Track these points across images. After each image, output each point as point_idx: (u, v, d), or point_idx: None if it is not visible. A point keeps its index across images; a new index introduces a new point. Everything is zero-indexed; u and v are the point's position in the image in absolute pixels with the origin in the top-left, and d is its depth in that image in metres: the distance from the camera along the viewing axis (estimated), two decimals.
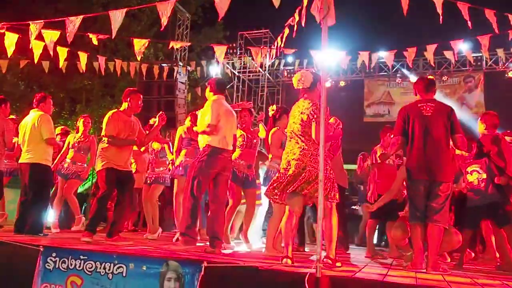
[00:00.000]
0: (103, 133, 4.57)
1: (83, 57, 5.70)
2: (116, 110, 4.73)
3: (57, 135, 6.16)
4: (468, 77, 12.56)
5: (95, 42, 5.02)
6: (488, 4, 4.98)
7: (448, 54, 7.03)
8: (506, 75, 11.91)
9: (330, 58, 3.26)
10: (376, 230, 6.85)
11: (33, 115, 4.98)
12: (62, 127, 7.11)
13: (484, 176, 4.51)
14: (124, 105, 4.68)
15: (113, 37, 4.22)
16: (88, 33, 5.07)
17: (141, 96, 4.81)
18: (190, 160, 5.04)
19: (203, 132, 4.15)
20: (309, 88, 3.58)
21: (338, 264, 3.29)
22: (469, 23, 4.79)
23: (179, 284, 2.93)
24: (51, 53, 4.77)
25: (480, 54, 11.22)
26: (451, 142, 3.82)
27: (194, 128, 4.33)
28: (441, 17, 4.74)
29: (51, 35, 4.57)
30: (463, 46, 9.38)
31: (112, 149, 4.56)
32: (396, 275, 3.32)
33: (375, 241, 6.82)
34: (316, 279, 2.70)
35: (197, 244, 4.39)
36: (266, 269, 2.94)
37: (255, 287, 2.87)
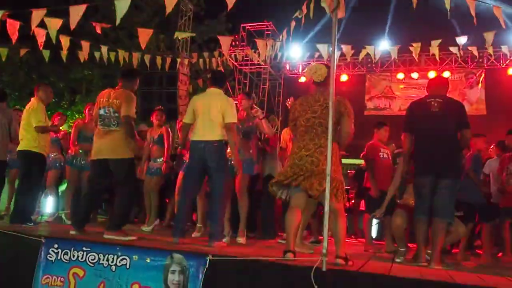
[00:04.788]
0: (129, 113, 4.16)
1: (85, 46, 5.63)
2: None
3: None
4: (470, 73, 12.53)
5: (98, 31, 4.96)
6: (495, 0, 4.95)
7: (453, 49, 6.98)
8: (507, 72, 11.87)
9: (336, 51, 3.24)
10: (377, 225, 6.89)
11: (29, 103, 5.02)
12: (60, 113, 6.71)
13: None
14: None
15: (116, 24, 4.15)
16: (92, 22, 5.01)
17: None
18: None
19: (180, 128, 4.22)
20: (323, 81, 3.45)
21: (350, 263, 3.23)
22: (475, 18, 4.75)
23: (183, 277, 2.92)
24: (54, 41, 4.70)
25: (483, 51, 11.16)
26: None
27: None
28: (449, 12, 4.71)
29: (54, 23, 4.50)
30: (466, 42, 9.34)
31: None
32: (400, 269, 3.31)
33: (374, 235, 6.85)
34: (322, 273, 2.69)
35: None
36: (271, 262, 2.93)
37: (260, 280, 2.85)
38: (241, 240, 4.65)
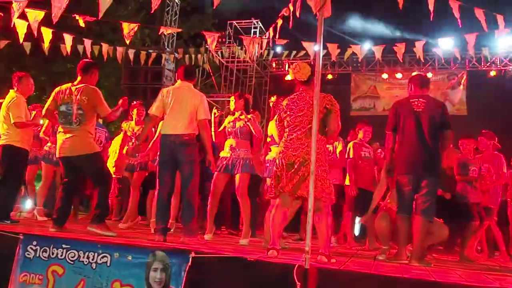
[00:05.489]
0: (108, 111, 4.20)
1: (68, 39, 5.52)
2: None
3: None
4: (452, 74, 12.74)
5: (81, 24, 4.87)
6: (477, 3, 5.03)
7: (436, 50, 7.08)
8: (488, 74, 12.10)
9: (322, 50, 3.23)
10: (360, 223, 6.97)
11: (8, 96, 4.83)
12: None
13: None
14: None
15: (99, 18, 4.07)
16: (75, 15, 4.91)
17: None
18: None
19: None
20: (306, 81, 3.47)
21: (333, 260, 3.26)
22: (458, 20, 4.83)
23: (165, 275, 2.88)
24: (35, 33, 4.59)
25: (465, 52, 11.37)
26: None
27: None
28: (431, 14, 4.76)
29: (35, 15, 4.40)
30: (449, 44, 9.49)
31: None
32: (382, 267, 3.35)
33: (357, 233, 6.94)
34: (305, 271, 2.69)
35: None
36: (254, 260, 2.92)
37: (243, 278, 2.84)
38: (243, 241, 4.49)
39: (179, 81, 4.25)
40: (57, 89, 4.23)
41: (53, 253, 3.16)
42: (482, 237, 5.59)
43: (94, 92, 4.12)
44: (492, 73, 12.02)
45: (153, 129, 5.41)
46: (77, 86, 4.15)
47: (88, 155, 4.11)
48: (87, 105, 4.08)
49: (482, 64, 12.25)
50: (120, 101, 4.36)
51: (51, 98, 4.21)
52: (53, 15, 4.02)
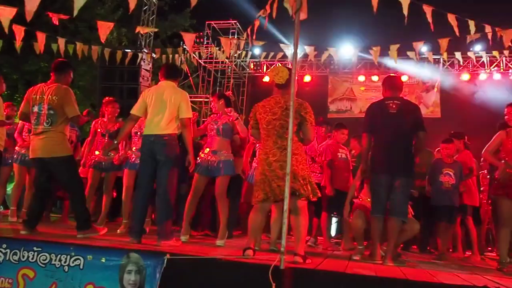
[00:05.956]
0: (77, 112, 4.11)
1: (41, 37, 5.39)
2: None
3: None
4: (426, 78, 13.02)
5: (55, 22, 4.75)
6: (450, 8, 5.17)
7: (410, 54, 7.22)
8: (460, 77, 12.44)
9: (299, 52, 3.24)
10: (336, 223, 7.05)
11: None
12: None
13: None
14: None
15: (74, 15, 3.98)
16: (48, 12, 4.79)
17: None
18: None
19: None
20: (284, 84, 3.49)
21: (309, 261, 3.29)
22: (431, 25, 4.94)
23: (140, 277, 2.86)
24: (6, 31, 4.47)
25: (439, 57, 11.67)
26: None
27: None
28: (406, 18, 4.86)
29: (7, 12, 4.29)
30: (423, 48, 9.72)
31: None
32: (356, 267, 3.40)
33: (333, 233, 7.01)
34: (280, 271, 2.71)
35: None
36: (229, 261, 2.92)
37: (219, 279, 2.84)
38: (220, 243, 4.42)
39: (162, 81, 4.21)
40: (30, 89, 4.15)
41: (23, 256, 3.09)
42: (458, 236, 5.73)
43: (65, 91, 4.06)
44: (464, 77, 12.36)
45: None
46: (49, 86, 4.09)
47: (61, 158, 4.03)
48: (57, 105, 4.01)
49: (455, 68, 12.58)
50: (86, 112, 4.43)
51: (24, 100, 4.15)
52: (26, 13, 3.91)
